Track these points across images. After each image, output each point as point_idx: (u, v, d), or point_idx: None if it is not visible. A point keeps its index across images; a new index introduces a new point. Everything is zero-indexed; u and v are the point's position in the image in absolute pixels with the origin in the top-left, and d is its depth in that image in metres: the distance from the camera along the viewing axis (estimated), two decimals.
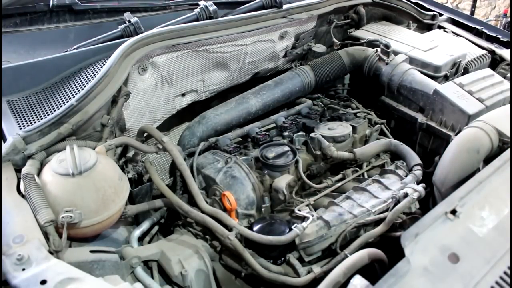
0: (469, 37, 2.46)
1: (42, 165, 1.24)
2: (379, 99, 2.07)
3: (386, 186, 1.53)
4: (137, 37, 1.55)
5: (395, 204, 1.37)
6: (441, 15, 2.63)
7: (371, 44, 2.14)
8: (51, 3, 1.93)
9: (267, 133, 1.81)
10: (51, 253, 0.99)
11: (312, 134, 1.72)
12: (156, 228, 1.52)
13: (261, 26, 1.90)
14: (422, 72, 1.97)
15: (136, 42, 1.53)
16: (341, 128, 1.79)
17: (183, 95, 1.85)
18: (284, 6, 2.00)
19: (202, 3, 1.90)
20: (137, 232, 1.39)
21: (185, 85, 1.82)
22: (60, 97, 1.43)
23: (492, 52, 2.35)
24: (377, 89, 2.06)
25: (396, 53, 2.05)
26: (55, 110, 1.35)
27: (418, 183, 1.51)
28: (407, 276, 0.93)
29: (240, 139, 1.88)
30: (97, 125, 1.42)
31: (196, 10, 1.88)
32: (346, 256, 1.28)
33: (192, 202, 1.43)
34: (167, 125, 1.96)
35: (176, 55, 1.69)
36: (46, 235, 1.03)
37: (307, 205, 1.50)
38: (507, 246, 1.02)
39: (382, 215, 1.39)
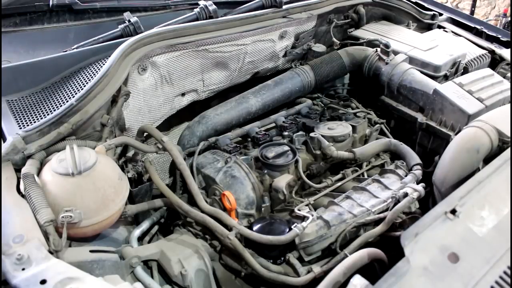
0: (469, 36, 2.46)
1: (42, 164, 1.24)
2: (379, 99, 2.07)
3: (386, 185, 1.53)
4: (137, 37, 1.55)
5: (395, 204, 1.37)
6: (441, 14, 2.63)
7: (371, 43, 2.14)
8: (51, 3, 1.92)
9: (267, 133, 1.81)
10: (51, 252, 0.99)
11: (312, 134, 1.72)
12: (156, 228, 1.52)
13: (261, 25, 1.90)
14: (422, 72, 1.97)
15: (136, 41, 1.53)
16: (341, 128, 1.79)
17: (183, 94, 1.85)
18: (284, 6, 2.00)
19: (202, 3, 1.90)
20: (137, 232, 1.39)
21: (185, 85, 1.82)
22: (60, 96, 1.43)
23: (492, 52, 2.35)
24: (377, 89, 2.06)
25: (396, 52, 2.05)
26: (54, 110, 1.35)
27: (418, 183, 1.51)
28: (407, 276, 0.93)
29: (240, 138, 1.88)
30: (97, 125, 1.42)
31: (196, 10, 1.88)
32: (346, 256, 1.28)
33: (192, 201, 1.43)
34: (167, 125, 1.95)
35: (176, 55, 1.69)
36: (46, 235, 1.03)
37: (307, 205, 1.49)
38: (507, 246, 1.02)
39: (382, 215, 1.39)
